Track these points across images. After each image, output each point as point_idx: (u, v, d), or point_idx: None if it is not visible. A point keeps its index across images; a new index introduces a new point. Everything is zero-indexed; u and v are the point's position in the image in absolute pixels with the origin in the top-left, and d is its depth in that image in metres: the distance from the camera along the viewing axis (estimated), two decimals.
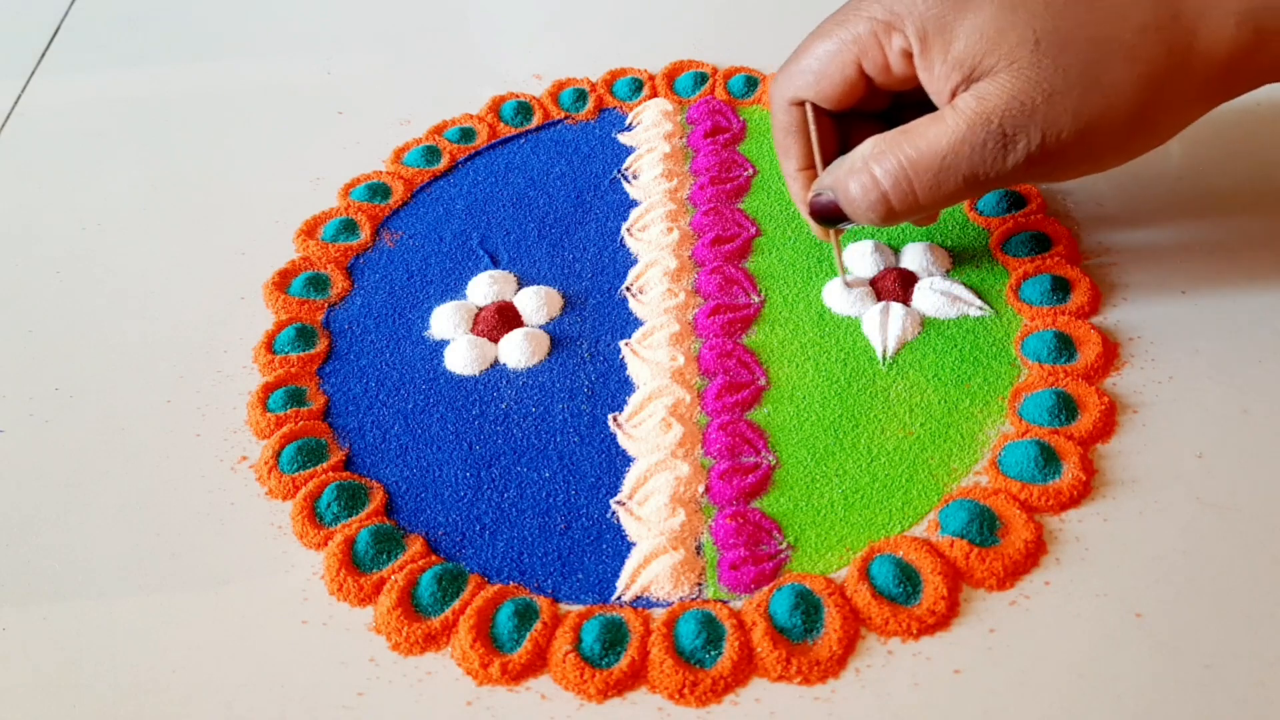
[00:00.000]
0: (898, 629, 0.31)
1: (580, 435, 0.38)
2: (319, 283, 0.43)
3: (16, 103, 0.54)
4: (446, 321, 0.42)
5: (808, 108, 0.38)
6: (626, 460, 0.37)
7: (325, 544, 0.35)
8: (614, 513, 0.35)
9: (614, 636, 0.32)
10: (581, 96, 0.52)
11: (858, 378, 0.39)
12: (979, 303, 0.40)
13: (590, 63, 0.54)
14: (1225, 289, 0.40)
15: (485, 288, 0.43)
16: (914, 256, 0.42)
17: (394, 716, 0.30)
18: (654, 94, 0.52)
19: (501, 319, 0.41)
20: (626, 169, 0.48)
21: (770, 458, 0.36)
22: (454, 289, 0.43)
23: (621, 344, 0.40)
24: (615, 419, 0.38)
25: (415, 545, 0.34)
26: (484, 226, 0.46)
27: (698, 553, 0.34)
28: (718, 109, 0.50)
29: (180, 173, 0.50)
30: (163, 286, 0.44)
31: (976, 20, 0.33)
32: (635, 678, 0.31)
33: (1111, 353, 0.38)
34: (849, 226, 0.38)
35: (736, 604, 0.33)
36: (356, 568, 0.34)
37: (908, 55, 0.35)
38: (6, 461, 0.38)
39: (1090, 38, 0.32)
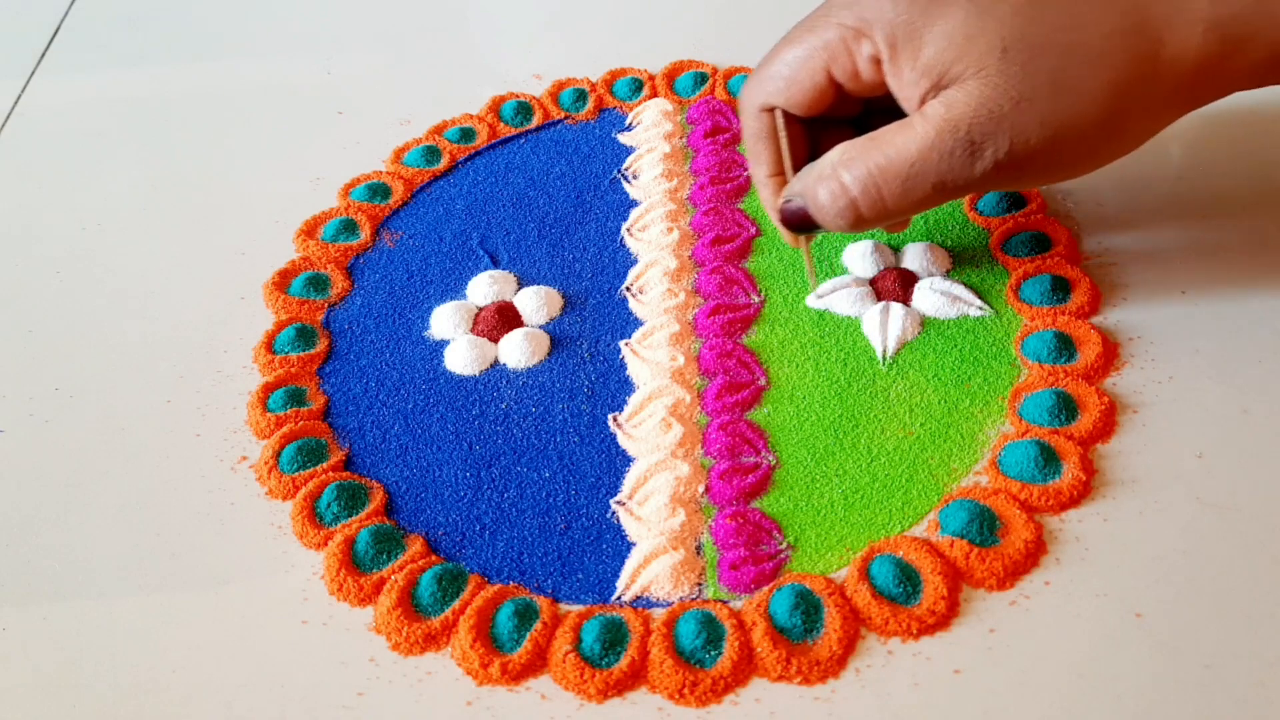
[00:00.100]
0: (898, 629, 0.31)
1: (580, 435, 0.38)
2: (319, 283, 0.43)
3: (16, 103, 0.54)
4: (446, 321, 0.42)
5: (777, 114, 0.38)
6: (626, 460, 0.37)
7: (325, 544, 0.35)
8: (614, 513, 0.35)
9: (614, 636, 0.32)
10: (581, 96, 0.52)
11: (858, 378, 0.39)
12: (979, 303, 0.40)
13: (590, 63, 0.54)
14: (1225, 289, 0.40)
15: (485, 288, 0.43)
16: (914, 256, 0.42)
17: (394, 716, 0.30)
18: (654, 94, 0.52)
19: (501, 319, 0.41)
20: (626, 169, 0.48)
21: (770, 458, 0.36)
22: (454, 289, 0.43)
23: (621, 344, 0.40)
24: (615, 419, 0.38)
25: (415, 545, 0.34)
26: (484, 226, 0.46)
27: (698, 553, 0.34)
28: (718, 109, 0.50)
29: (180, 173, 0.50)
30: (163, 286, 0.44)
31: (945, 27, 0.33)
32: (635, 678, 0.31)
33: (1111, 353, 0.38)
34: (819, 233, 0.38)
35: (736, 604, 0.33)
36: (356, 568, 0.34)
37: (877, 62, 0.35)
38: (6, 461, 0.38)
39: (1058, 45, 0.32)
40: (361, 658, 0.32)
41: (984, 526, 0.33)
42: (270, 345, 0.41)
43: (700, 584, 0.33)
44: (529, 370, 0.40)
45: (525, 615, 0.32)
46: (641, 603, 0.33)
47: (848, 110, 0.38)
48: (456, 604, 0.33)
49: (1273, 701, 0.29)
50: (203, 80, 0.56)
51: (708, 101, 0.51)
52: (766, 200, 0.40)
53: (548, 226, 0.46)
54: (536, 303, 0.42)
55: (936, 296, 0.41)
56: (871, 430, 0.37)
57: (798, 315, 0.41)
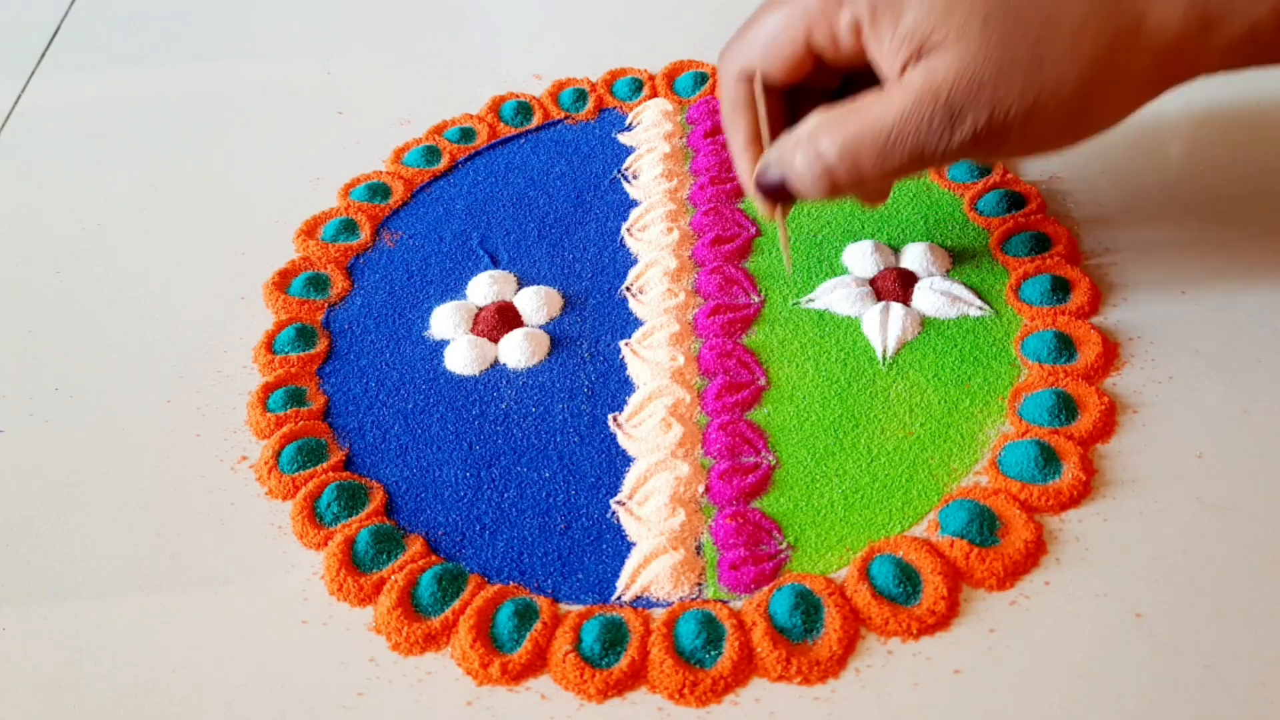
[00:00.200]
0: (898, 629, 0.31)
1: (580, 435, 0.38)
2: (319, 283, 0.43)
3: (16, 103, 0.54)
4: (446, 321, 0.42)
5: (756, 81, 0.37)
6: (626, 460, 0.37)
7: (325, 544, 0.35)
8: (614, 513, 0.35)
9: (614, 636, 0.32)
10: (581, 96, 0.52)
11: (858, 378, 0.39)
12: (979, 303, 0.40)
13: (590, 63, 0.54)
14: (1225, 289, 0.40)
15: (485, 288, 0.43)
16: (914, 256, 0.42)
17: (394, 716, 0.30)
18: (654, 94, 0.52)
19: (501, 319, 0.41)
20: (626, 169, 0.48)
21: (770, 458, 0.36)
22: (454, 289, 0.43)
23: (621, 344, 0.40)
24: (615, 419, 0.38)
25: (415, 545, 0.34)
26: (484, 226, 0.46)
27: (698, 553, 0.34)
28: (717, 109, 0.50)
29: (180, 173, 0.50)
30: (163, 286, 0.44)
31: None
32: (635, 678, 0.31)
33: (1111, 353, 0.38)
34: (793, 203, 0.38)
35: (736, 604, 0.33)
36: (356, 568, 0.34)
37: (857, 29, 0.35)
38: (6, 461, 0.38)
39: (1039, 15, 0.32)
40: (361, 658, 0.32)
41: (984, 526, 0.33)
42: (270, 345, 0.41)
43: (700, 584, 0.33)
44: (529, 370, 0.40)
45: (525, 615, 0.32)
46: (641, 603, 0.33)
47: (826, 82, 0.38)
48: (456, 604, 0.33)
49: (1273, 701, 0.29)
50: (203, 80, 0.56)
51: (708, 101, 0.51)
52: (742, 170, 0.39)
53: (548, 226, 0.46)
54: (536, 303, 0.42)
55: (936, 296, 0.41)
56: (871, 430, 0.37)
57: (798, 315, 0.41)
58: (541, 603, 0.33)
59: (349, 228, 0.46)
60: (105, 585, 0.34)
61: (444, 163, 0.49)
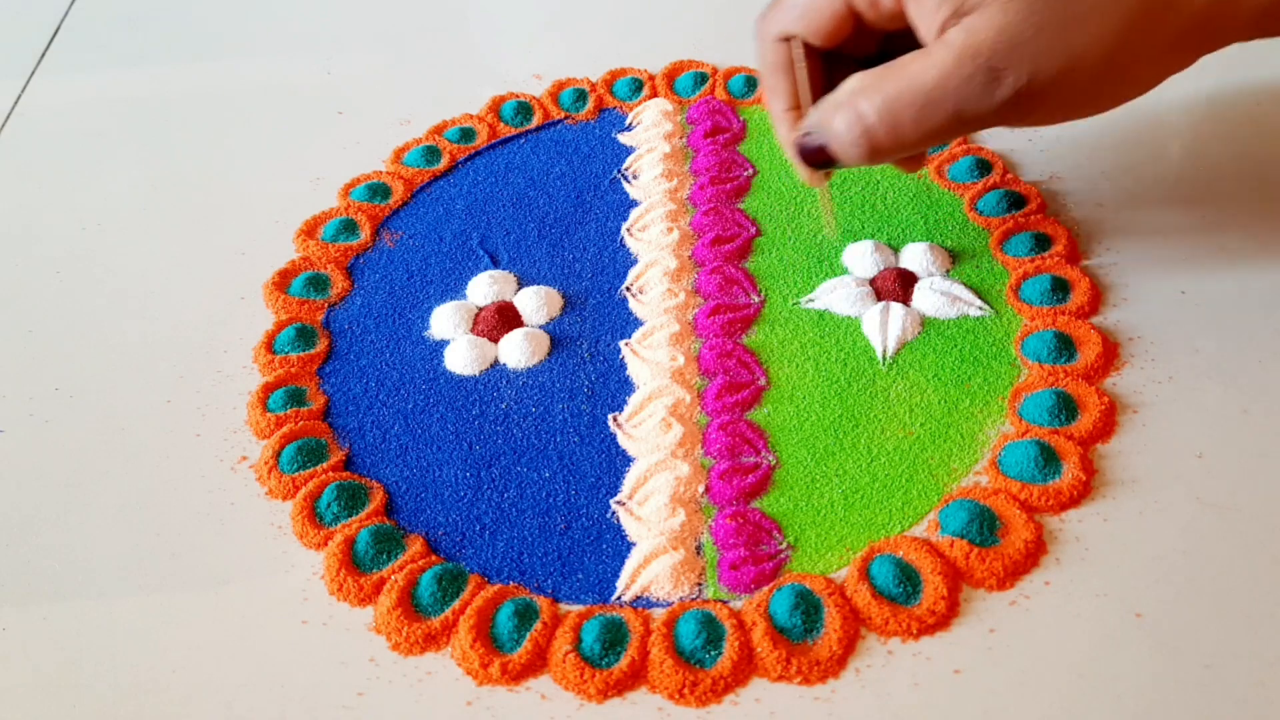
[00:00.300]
0: (898, 629, 0.31)
1: (580, 435, 0.38)
2: (319, 283, 0.43)
3: (16, 103, 0.54)
4: (446, 321, 0.42)
5: (795, 43, 0.37)
6: (626, 460, 0.37)
7: (325, 544, 0.35)
8: (614, 513, 0.35)
9: (614, 636, 0.32)
10: (581, 96, 0.52)
11: (858, 378, 0.39)
12: (979, 303, 0.40)
13: (590, 63, 0.54)
14: (1225, 289, 0.40)
15: (485, 288, 0.43)
16: (914, 256, 0.42)
17: (394, 716, 0.30)
18: (654, 94, 0.52)
19: (501, 319, 0.41)
20: (626, 169, 0.48)
21: (770, 458, 0.36)
22: (454, 289, 0.43)
23: (621, 344, 0.40)
24: (615, 419, 0.38)
25: (415, 545, 0.34)
26: (484, 226, 0.46)
27: (698, 553, 0.34)
28: (718, 109, 0.50)
29: (180, 173, 0.50)
30: (163, 286, 0.44)
31: None
32: (635, 678, 0.31)
33: (1111, 353, 0.38)
34: (836, 169, 0.38)
35: (736, 604, 0.33)
36: (356, 568, 0.34)
37: None
38: (6, 461, 0.38)
39: None
40: (361, 658, 0.32)
41: (984, 526, 0.33)
42: (270, 345, 0.41)
43: (700, 584, 0.33)
44: (529, 370, 0.40)
45: (525, 615, 0.32)
46: (641, 603, 0.33)
47: (864, 47, 0.38)
48: (456, 604, 0.33)
49: (1273, 701, 0.29)
50: (203, 80, 0.56)
51: (708, 101, 0.51)
52: (783, 136, 0.39)
53: (548, 226, 0.46)
54: (536, 303, 0.42)
55: (936, 296, 0.41)
56: (871, 430, 0.37)
57: (798, 315, 0.41)
58: (541, 603, 0.33)
59: (349, 228, 0.46)
60: (105, 585, 0.34)
61: (444, 163, 0.49)
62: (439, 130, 0.50)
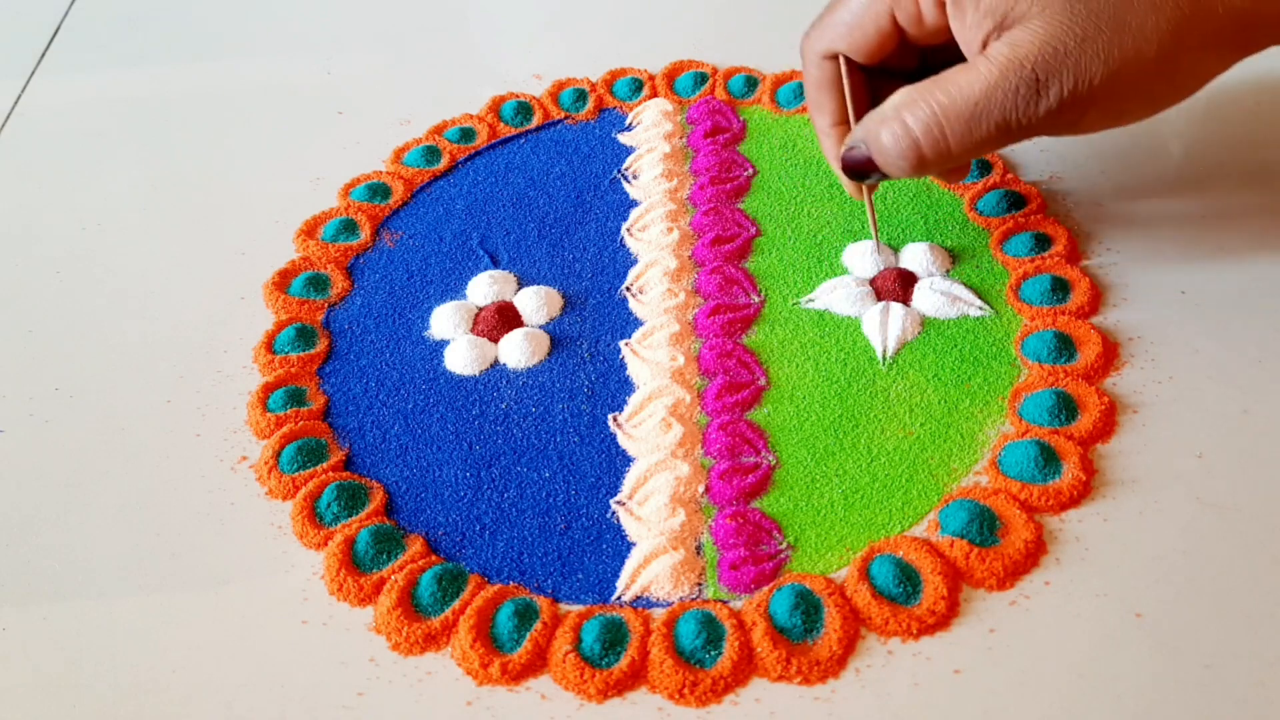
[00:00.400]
0: (898, 629, 0.31)
1: (580, 435, 0.38)
2: (319, 283, 0.43)
3: (16, 103, 0.54)
4: (446, 321, 0.42)
5: (841, 61, 0.38)
6: (626, 460, 0.37)
7: (325, 544, 0.35)
8: (614, 513, 0.35)
9: (614, 636, 0.32)
10: (581, 96, 0.52)
11: (858, 378, 0.39)
12: (979, 303, 0.40)
13: (590, 63, 0.54)
14: (1225, 289, 0.40)
15: (485, 288, 0.43)
16: (914, 256, 0.42)
17: (394, 716, 0.30)
18: (654, 94, 0.52)
19: (501, 319, 0.41)
20: (626, 169, 0.48)
21: (770, 458, 0.36)
22: (454, 289, 0.43)
23: (621, 344, 0.40)
24: (615, 419, 0.38)
25: (415, 545, 0.34)
26: (484, 226, 0.46)
27: (698, 553, 0.34)
28: (718, 109, 0.50)
29: (180, 173, 0.50)
30: (163, 286, 0.44)
31: None
32: (635, 678, 0.31)
33: (1111, 353, 0.38)
34: (880, 182, 0.38)
35: (736, 604, 0.33)
36: (356, 568, 0.34)
37: (940, 5, 0.36)
38: (6, 461, 0.38)
39: None
40: (361, 658, 0.32)
41: (984, 526, 0.33)
42: (270, 345, 0.41)
43: (700, 584, 0.33)
44: (529, 370, 0.40)
45: (525, 615, 0.32)
46: (641, 603, 0.33)
47: (907, 61, 0.39)
48: (456, 604, 0.33)
49: (1273, 701, 0.29)
50: (203, 80, 0.56)
51: (708, 101, 0.51)
52: (828, 151, 0.40)
53: (548, 226, 0.46)
54: (536, 303, 0.42)
55: (936, 296, 0.41)
56: (871, 430, 0.37)
57: (798, 315, 0.41)
58: (541, 603, 0.33)
59: (349, 228, 0.46)
60: (105, 585, 0.34)
61: (444, 163, 0.49)
62: (439, 130, 0.50)
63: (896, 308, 0.40)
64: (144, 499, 0.36)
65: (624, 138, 0.50)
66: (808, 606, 0.32)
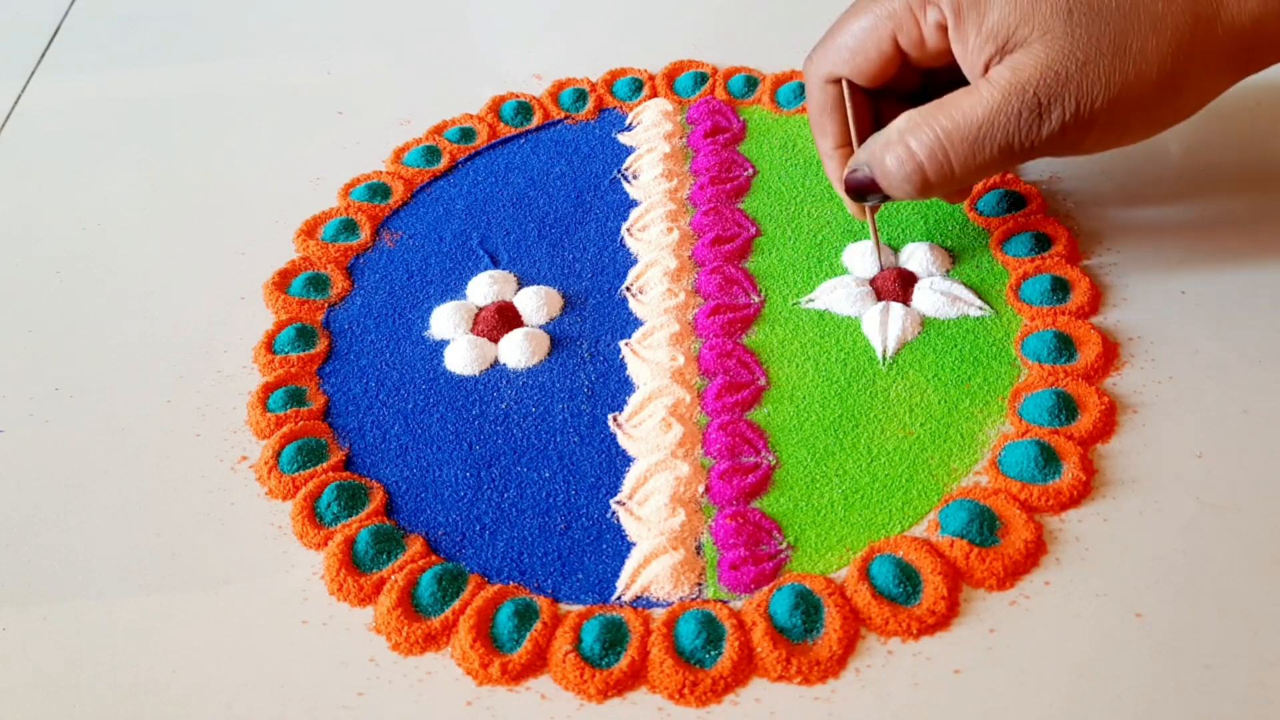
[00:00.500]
0: (898, 629, 0.31)
1: (580, 435, 0.38)
2: (319, 283, 0.43)
3: (16, 103, 0.54)
4: (446, 321, 0.42)
5: (844, 85, 0.39)
6: (626, 460, 0.37)
7: (325, 544, 0.35)
8: (614, 513, 0.35)
9: (614, 636, 0.32)
10: (581, 96, 0.52)
11: (858, 378, 0.39)
12: (979, 303, 0.40)
13: (590, 63, 0.54)
14: (1225, 289, 0.40)
15: (485, 288, 0.43)
16: (914, 256, 0.42)
17: (394, 716, 0.30)
18: (654, 94, 0.52)
19: (501, 319, 0.41)
20: (626, 169, 0.48)
21: (770, 458, 0.36)
22: (454, 289, 0.43)
23: (621, 344, 0.40)
24: (615, 419, 0.38)
25: (415, 545, 0.34)
26: (484, 226, 0.46)
27: (698, 553, 0.34)
28: (718, 109, 0.50)
29: (180, 173, 0.50)
30: (163, 286, 0.44)
31: None
32: (635, 678, 0.31)
33: (1111, 353, 0.38)
34: (883, 203, 0.39)
35: (736, 604, 0.33)
36: (356, 568, 0.34)
37: (942, 28, 0.36)
38: (6, 461, 0.38)
39: (1120, 7, 0.33)
40: (361, 658, 0.32)
41: (984, 526, 0.33)
42: (270, 345, 0.41)
43: (700, 584, 0.33)
44: (529, 370, 0.40)
45: (525, 615, 0.32)
46: (641, 603, 0.33)
47: (909, 83, 0.39)
48: (456, 604, 0.33)
49: (1273, 701, 0.29)
50: (203, 80, 0.56)
51: (708, 101, 0.51)
52: (832, 173, 0.41)
53: (548, 226, 0.46)
54: (536, 303, 0.42)
55: (936, 296, 0.41)
56: (871, 430, 0.37)
57: (798, 315, 0.41)
58: (541, 603, 0.33)
59: (349, 228, 0.46)
60: (105, 585, 0.34)
61: (444, 163, 0.49)
62: (439, 130, 0.50)
63: (896, 308, 0.40)
64: (144, 499, 0.36)
65: (624, 138, 0.50)
66: (808, 606, 0.32)
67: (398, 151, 0.49)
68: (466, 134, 0.50)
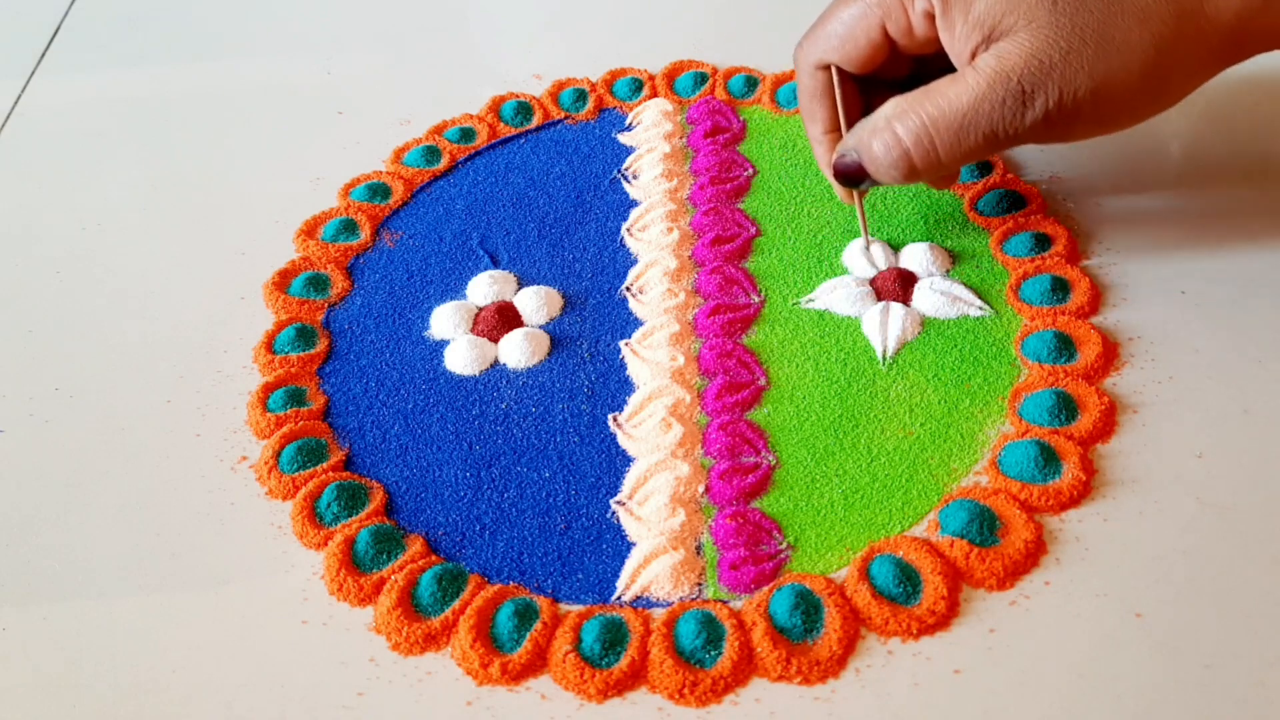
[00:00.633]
0: (898, 629, 0.31)
1: (580, 435, 0.38)
2: (319, 283, 0.43)
3: (16, 103, 0.54)
4: (446, 321, 0.42)
5: (833, 71, 0.39)
6: (626, 460, 0.37)
7: (325, 544, 0.35)
8: (614, 513, 0.35)
9: (614, 636, 0.32)
10: (581, 96, 0.52)
11: (858, 378, 0.39)
12: (979, 303, 0.40)
13: (590, 63, 0.54)
14: (1225, 289, 0.40)
15: (485, 288, 0.43)
16: (914, 256, 0.42)
17: (394, 716, 0.30)
18: (654, 94, 0.52)
19: (501, 319, 0.41)
20: (626, 169, 0.48)
21: (770, 458, 0.36)
22: (454, 289, 0.43)
23: (621, 344, 0.40)
24: (615, 419, 0.38)
25: (415, 545, 0.34)
26: (484, 226, 0.46)
27: (698, 553, 0.34)
28: (718, 109, 0.50)
29: (180, 173, 0.50)
30: (163, 286, 0.44)
31: None
32: (635, 678, 0.31)
33: (1111, 353, 0.38)
34: (871, 188, 0.39)
35: (736, 604, 0.33)
36: (356, 568, 0.34)
37: (930, 17, 0.36)
38: (6, 461, 0.38)
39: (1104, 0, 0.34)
40: (361, 658, 0.32)
41: (984, 526, 0.33)
42: (270, 345, 0.41)
43: (700, 584, 0.33)
44: (529, 370, 0.40)
45: (525, 615, 0.32)
46: (641, 603, 0.33)
47: (897, 70, 0.40)
48: (456, 604, 0.33)
49: (1273, 701, 0.29)
50: (203, 80, 0.56)
51: (708, 101, 0.51)
52: (821, 158, 0.42)
53: (548, 226, 0.46)
54: (536, 303, 0.42)
55: (936, 296, 0.41)
56: (871, 430, 0.37)
57: (798, 315, 0.41)
58: (541, 603, 0.33)
59: (349, 228, 0.46)
60: (105, 585, 0.34)
61: (444, 163, 0.49)
62: (439, 130, 0.50)
63: (896, 308, 0.40)
64: (144, 499, 0.36)
65: (624, 138, 0.50)
66: (808, 606, 0.32)
67: (398, 151, 0.49)
68: (466, 134, 0.50)
